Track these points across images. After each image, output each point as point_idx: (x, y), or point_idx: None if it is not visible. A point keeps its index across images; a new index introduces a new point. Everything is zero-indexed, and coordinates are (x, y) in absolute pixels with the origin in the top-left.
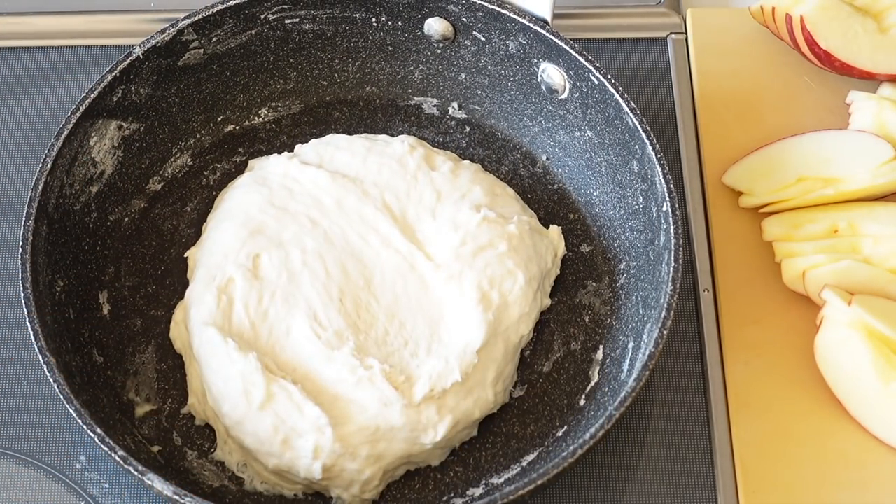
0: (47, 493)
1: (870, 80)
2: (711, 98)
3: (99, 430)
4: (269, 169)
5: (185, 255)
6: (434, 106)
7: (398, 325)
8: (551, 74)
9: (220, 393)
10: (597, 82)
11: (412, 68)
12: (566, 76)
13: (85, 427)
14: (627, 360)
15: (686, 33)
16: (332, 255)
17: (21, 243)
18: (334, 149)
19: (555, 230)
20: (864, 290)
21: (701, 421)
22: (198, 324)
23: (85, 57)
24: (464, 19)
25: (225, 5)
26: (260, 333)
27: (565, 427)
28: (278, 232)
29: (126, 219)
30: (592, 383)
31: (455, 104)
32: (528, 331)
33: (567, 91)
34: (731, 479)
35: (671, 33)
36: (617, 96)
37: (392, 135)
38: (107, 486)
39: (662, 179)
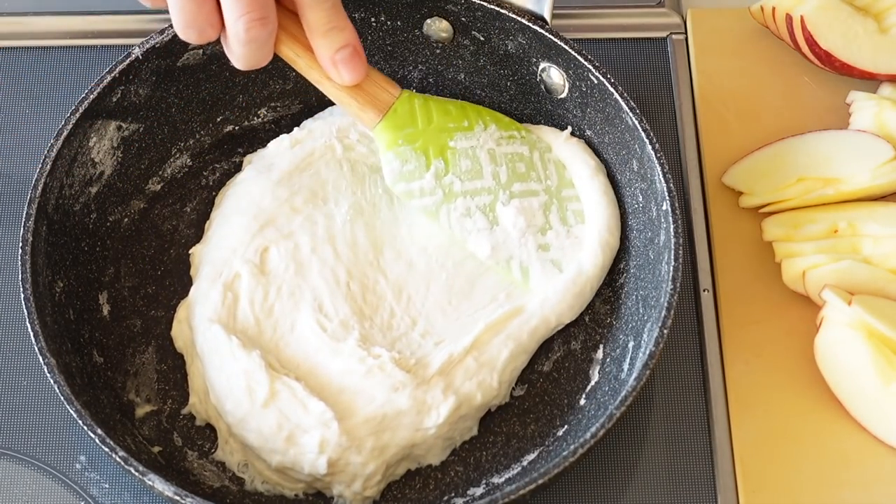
0: (47, 493)
1: (870, 80)
2: (712, 98)
3: (100, 431)
4: (270, 156)
5: (189, 253)
6: None
7: (406, 300)
8: (550, 74)
9: (222, 391)
10: (596, 81)
11: (411, 68)
12: (565, 75)
13: (86, 428)
14: (628, 360)
15: (686, 33)
16: (346, 229)
17: (21, 244)
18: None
19: None
20: (865, 291)
21: (701, 421)
22: (202, 321)
23: (85, 57)
24: (463, 19)
25: None
26: (264, 330)
27: (566, 426)
28: (289, 219)
29: (126, 219)
30: (593, 383)
31: None
32: (570, 320)
33: (566, 90)
34: (731, 479)
35: (671, 33)
36: (616, 95)
37: None
38: (107, 486)
39: (662, 178)
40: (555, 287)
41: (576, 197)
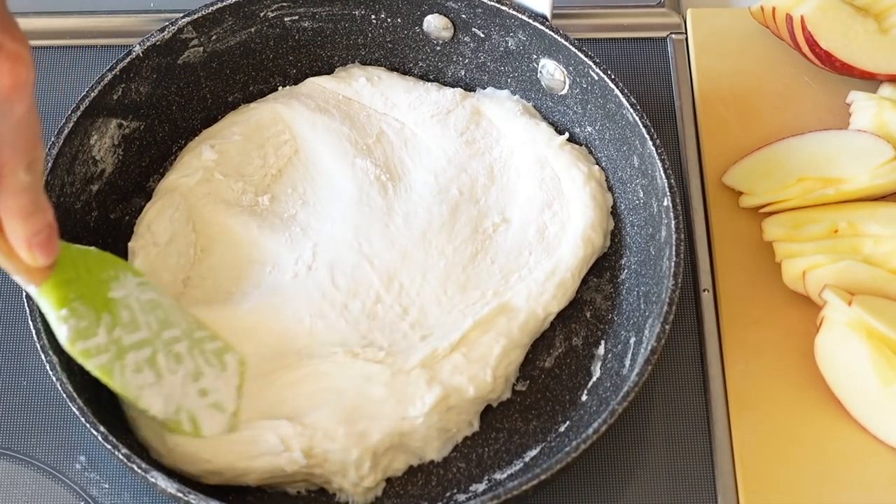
0: (47, 493)
1: (870, 80)
2: (712, 98)
3: (102, 429)
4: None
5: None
6: None
7: (398, 288)
8: (551, 70)
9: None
10: (597, 78)
11: (411, 65)
12: (566, 72)
13: (88, 426)
14: (629, 356)
15: (686, 33)
16: (314, 209)
17: None
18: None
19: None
20: (865, 291)
21: (701, 421)
22: None
23: (85, 57)
24: (463, 16)
25: (224, 3)
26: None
27: (567, 422)
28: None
29: (127, 217)
30: (594, 378)
31: None
32: (557, 310)
33: (567, 87)
34: (731, 480)
35: (671, 33)
36: (617, 91)
37: None
38: (107, 486)
39: (663, 174)
40: (536, 279)
41: (208, 337)
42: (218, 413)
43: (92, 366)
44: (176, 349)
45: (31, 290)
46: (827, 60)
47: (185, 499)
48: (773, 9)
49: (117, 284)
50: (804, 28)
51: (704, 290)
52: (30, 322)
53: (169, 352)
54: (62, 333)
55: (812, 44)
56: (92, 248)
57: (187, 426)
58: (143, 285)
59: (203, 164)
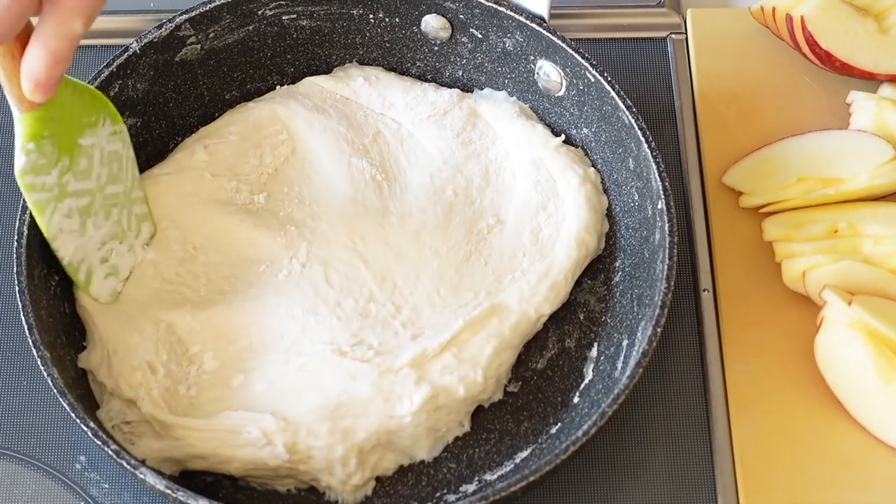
0: (47, 493)
1: (870, 80)
2: (711, 98)
3: (92, 424)
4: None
5: None
6: None
7: (391, 287)
8: (548, 72)
9: None
10: (593, 80)
11: (409, 65)
12: (563, 73)
13: (78, 420)
14: (621, 358)
15: (686, 33)
16: (310, 209)
17: (16, 237)
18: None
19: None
20: (865, 291)
21: (701, 421)
22: None
23: (84, 57)
24: (461, 16)
25: (222, 1)
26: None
27: (559, 424)
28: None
29: None
30: (587, 381)
31: None
32: (549, 311)
33: (563, 88)
34: (731, 480)
35: (671, 33)
36: (613, 94)
37: None
38: (106, 486)
39: (658, 177)
40: (529, 281)
41: (140, 199)
42: (112, 277)
43: (30, 199)
44: (111, 205)
45: (16, 113)
46: (827, 60)
47: (174, 496)
48: (773, 9)
49: (92, 132)
50: (804, 28)
51: (704, 290)
52: (22, 317)
53: (103, 205)
54: (19, 162)
55: (812, 44)
56: (92, 87)
57: (82, 278)
58: (115, 135)
59: (193, 163)
